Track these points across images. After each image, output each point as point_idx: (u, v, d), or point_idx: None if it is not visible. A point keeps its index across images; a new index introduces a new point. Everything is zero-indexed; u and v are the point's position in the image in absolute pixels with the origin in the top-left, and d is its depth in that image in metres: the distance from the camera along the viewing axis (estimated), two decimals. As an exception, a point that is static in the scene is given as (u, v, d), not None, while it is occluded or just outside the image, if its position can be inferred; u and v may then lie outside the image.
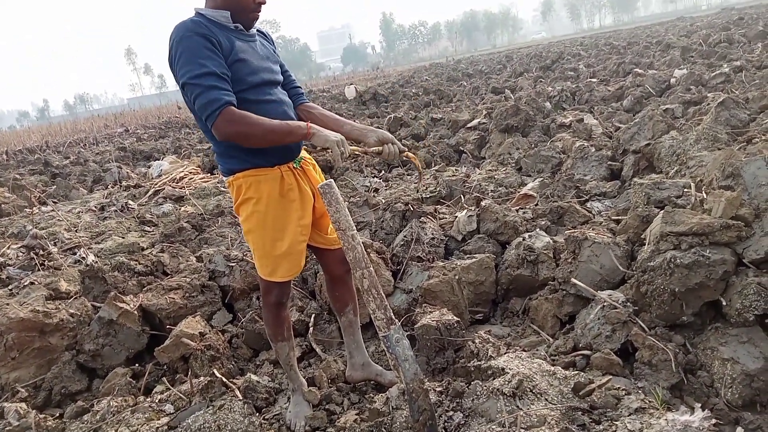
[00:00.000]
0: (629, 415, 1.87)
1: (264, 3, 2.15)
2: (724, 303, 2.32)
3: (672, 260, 2.38)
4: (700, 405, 1.80)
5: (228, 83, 2.00)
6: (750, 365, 2.13)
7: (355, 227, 1.84)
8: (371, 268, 1.84)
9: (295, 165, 2.28)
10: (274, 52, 2.38)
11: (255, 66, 2.15)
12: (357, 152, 2.29)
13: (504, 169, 5.93)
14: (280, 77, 2.33)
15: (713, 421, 1.65)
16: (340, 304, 2.66)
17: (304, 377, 2.74)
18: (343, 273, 2.59)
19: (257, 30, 2.31)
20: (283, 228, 2.22)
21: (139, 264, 4.03)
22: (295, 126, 2.06)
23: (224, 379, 2.65)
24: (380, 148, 2.23)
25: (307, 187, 2.30)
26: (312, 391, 2.57)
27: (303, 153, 2.37)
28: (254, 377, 2.74)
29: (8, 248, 4.87)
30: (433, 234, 3.81)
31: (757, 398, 2.12)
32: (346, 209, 1.84)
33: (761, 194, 2.52)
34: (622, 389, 2.05)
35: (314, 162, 2.45)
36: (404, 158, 2.35)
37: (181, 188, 7.39)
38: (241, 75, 2.08)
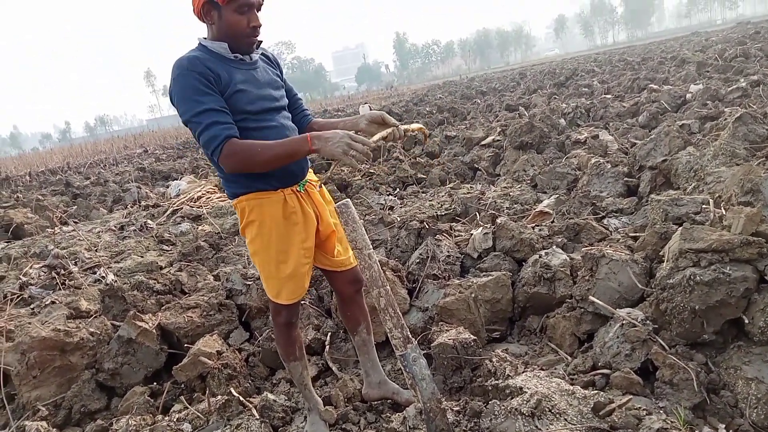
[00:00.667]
0: (651, 435, 1.83)
1: (258, 27, 2.15)
2: (746, 321, 2.28)
3: (692, 277, 2.35)
4: (724, 426, 1.76)
5: (228, 116, 2.03)
6: (775, 385, 2.09)
7: (371, 246, 1.85)
8: (387, 287, 1.85)
9: (299, 188, 2.29)
10: (279, 75, 2.39)
11: (254, 95, 2.16)
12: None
13: (519, 186, 5.92)
14: (283, 102, 2.34)
15: (738, 442, 1.62)
16: (352, 323, 2.66)
17: (321, 396, 2.73)
18: (353, 293, 2.59)
19: (262, 54, 2.32)
20: (286, 251, 2.24)
21: (158, 283, 4.08)
22: (297, 144, 2.03)
23: (241, 398, 2.65)
24: (384, 133, 2.12)
25: (310, 210, 2.30)
26: (328, 410, 2.57)
27: (310, 176, 2.38)
28: (271, 396, 2.75)
29: (30, 268, 4.96)
30: (448, 252, 3.81)
31: (783, 419, 2.06)
32: (363, 228, 1.86)
33: (782, 210, 2.49)
34: (643, 409, 2.01)
35: (322, 184, 2.41)
36: (410, 134, 2.29)
37: (198, 207, 7.49)
38: (241, 105, 2.11)
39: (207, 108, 1.99)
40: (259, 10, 2.15)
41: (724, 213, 2.73)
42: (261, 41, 2.24)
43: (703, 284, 2.31)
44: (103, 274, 4.71)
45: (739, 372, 2.20)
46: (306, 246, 2.28)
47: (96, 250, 5.91)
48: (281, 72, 2.44)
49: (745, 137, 4.26)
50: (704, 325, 2.35)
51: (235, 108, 2.09)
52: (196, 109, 1.99)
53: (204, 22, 2.14)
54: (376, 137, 2.07)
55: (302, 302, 3.66)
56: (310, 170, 2.41)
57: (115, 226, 7.11)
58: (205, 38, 2.17)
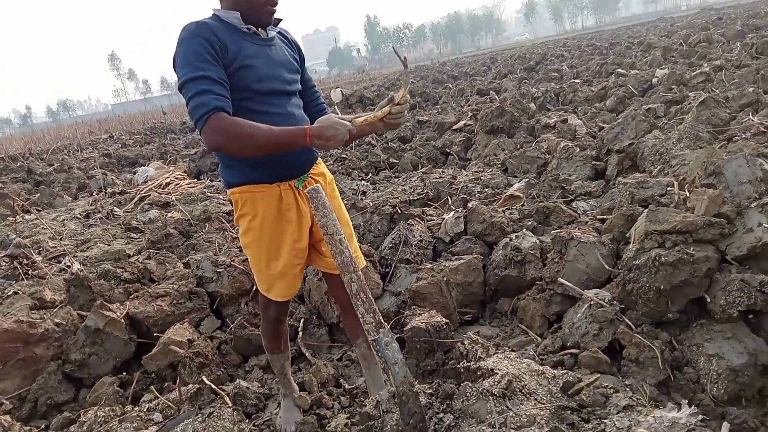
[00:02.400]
0: (617, 412, 1.88)
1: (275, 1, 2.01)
2: (708, 300, 2.35)
3: (657, 258, 2.41)
4: (687, 401, 1.82)
5: (224, 88, 1.85)
6: (735, 360, 2.16)
7: (342, 232, 1.84)
8: (359, 272, 1.84)
9: (297, 185, 2.11)
10: (296, 59, 2.19)
11: (264, 73, 1.98)
12: (365, 124, 1.98)
13: (490, 170, 5.96)
14: (296, 87, 2.15)
15: (700, 416, 1.68)
16: (351, 334, 2.49)
17: (295, 381, 2.73)
18: (348, 300, 2.36)
19: (280, 32, 2.15)
20: (277, 248, 2.12)
21: (126, 271, 3.99)
22: (293, 135, 1.81)
23: (213, 386, 2.63)
24: (386, 109, 2.00)
25: (306, 208, 2.13)
26: (303, 396, 2.56)
27: (316, 169, 2.21)
28: (244, 383, 2.73)
29: (-9, 258, 4.79)
30: (420, 236, 3.82)
31: (742, 393, 2.14)
32: (334, 213, 1.84)
33: (742, 192, 2.57)
34: (610, 387, 2.06)
35: (326, 181, 2.26)
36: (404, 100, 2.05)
37: (167, 194, 7.33)
38: (247, 82, 1.94)
39: (203, 75, 1.81)
40: None
41: (688, 195, 2.80)
42: (280, 19, 2.10)
43: (668, 265, 2.38)
44: (69, 263, 4.58)
45: (702, 349, 2.28)
46: (298, 246, 2.15)
47: (60, 239, 5.74)
48: (300, 56, 2.24)
49: (708, 121, 4.37)
50: (669, 305, 2.42)
51: (239, 85, 1.92)
52: (192, 74, 1.81)
53: None
54: (360, 119, 1.93)
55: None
56: (318, 163, 2.24)
57: (80, 214, 6.91)
58: (218, 8, 2.01)
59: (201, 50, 1.83)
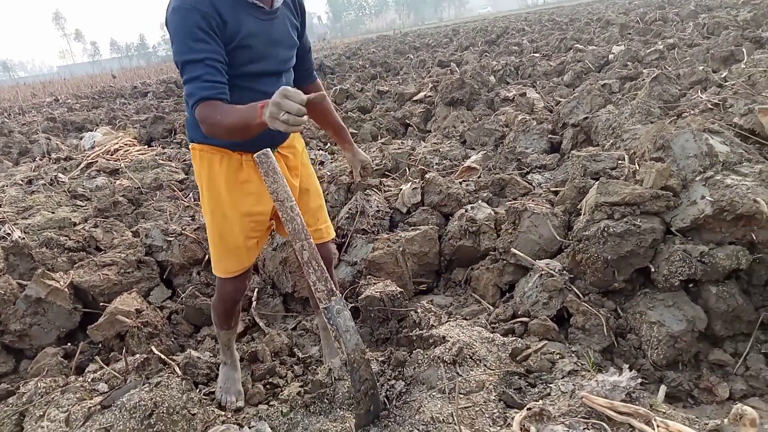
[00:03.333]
0: (563, 377, 1.94)
1: None
2: (652, 269, 2.44)
3: (605, 229, 2.47)
4: (628, 366, 1.89)
5: (217, 71, 1.76)
6: (674, 327, 2.26)
7: (294, 198, 1.79)
8: (311, 240, 1.80)
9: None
10: (298, 27, 2.09)
11: (259, 53, 1.89)
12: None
13: (449, 142, 5.97)
14: (290, 64, 2.08)
15: (639, 380, 1.74)
16: (314, 302, 2.49)
17: (248, 351, 2.70)
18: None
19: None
20: (232, 218, 2.05)
21: (70, 240, 3.83)
22: (249, 113, 1.64)
23: (162, 356, 2.57)
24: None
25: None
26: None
27: (290, 141, 2.16)
28: (195, 353, 2.68)
29: None
30: (378, 207, 3.80)
31: (679, 358, 2.25)
32: (284, 180, 1.78)
33: (688, 165, 2.65)
34: (557, 353, 2.13)
35: (296, 153, 2.20)
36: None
37: (116, 161, 7.03)
38: (240, 62, 1.86)
39: (197, 59, 1.72)
40: None
41: (638, 168, 2.87)
42: None
43: (616, 235, 2.44)
44: (8, 231, 4.35)
45: (644, 317, 2.37)
46: (257, 219, 2.10)
47: (0, 206, 5.44)
48: (303, 21, 2.14)
49: (660, 97, 4.48)
50: (615, 274, 2.50)
51: (234, 62, 1.84)
52: (186, 56, 1.73)
53: None
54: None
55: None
56: (292, 137, 2.17)
57: (21, 180, 6.56)
58: None
59: (195, 27, 1.72)
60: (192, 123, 1.99)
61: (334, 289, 1.83)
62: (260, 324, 3.10)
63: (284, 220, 1.77)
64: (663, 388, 2.00)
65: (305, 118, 1.52)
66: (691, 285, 2.40)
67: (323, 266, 1.81)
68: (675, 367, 2.26)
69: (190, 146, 2.10)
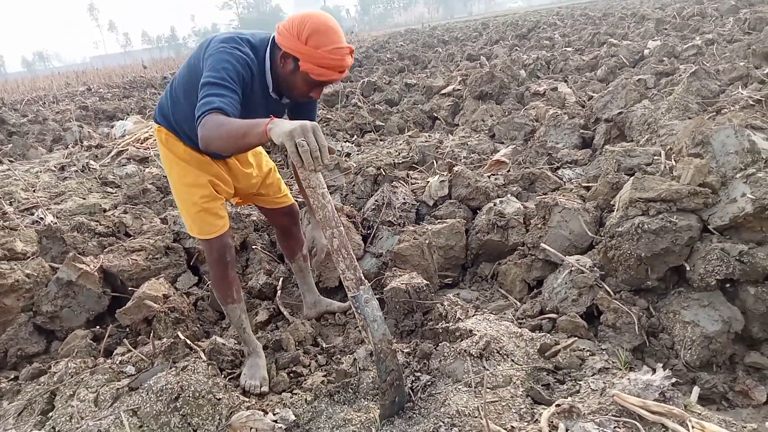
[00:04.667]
0: (593, 375, 1.89)
1: (318, 96, 2.15)
2: (687, 268, 2.36)
3: (640, 226, 2.40)
4: (661, 365, 1.83)
5: (236, 102, 1.91)
6: (709, 328, 2.19)
7: (325, 185, 1.77)
8: (341, 228, 1.78)
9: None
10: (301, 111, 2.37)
11: (252, 111, 2.07)
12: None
13: (477, 135, 5.89)
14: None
15: (673, 380, 1.69)
16: (289, 251, 2.91)
17: (272, 340, 2.71)
18: (290, 225, 2.82)
19: None
20: (195, 183, 2.29)
21: (100, 225, 3.89)
22: (251, 124, 1.72)
23: (188, 341, 2.59)
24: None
25: (235, 165, 2.46)
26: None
27: None
28: (220, 340, 2.70)
29: (-40, 207, 4.63)
30: (404, 199, 3.77)
31: (713, 359, 2.18)
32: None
33: (728, 162, 2.55)
34: (587, 350, 2.07)
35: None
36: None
37: (145, 149, 7.14)
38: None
39: (228, 86, 1.89)
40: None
41: (675, 164, 2.78)
42: None
43: (650, 232, 2.37)
44: (42, 215, 4.45)
45: (678, 316, 2.29)
46: (219, 189, 2.36)
47: (34, 191, 5.57)
48: (310, 107, 2.41)
49: (698, 92, 4.34)
50: (648, 272, 2.42)
51: None
52: (219, 80, 1.89)
53: (278, 52, 2.04)
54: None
55: (254, 247, 3.59)
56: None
57: (54, 167, 6.71)
58: (272, 50, 2.07)
59: (235, 71, 1.94)
60: (164, 108, 2.29)
61: (363, 278, 1.81)
62: (284, 313, 3.10)
63: (315, 207, 1.75)
64: (696, 390, 1.93)
65: (317, 157, 1.59)
66: (728, 285, 2.31)
67: (352, 254, 1.80)
68: (709, 369, 2.19)
69: (155, 126, 2.36)
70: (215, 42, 2.01)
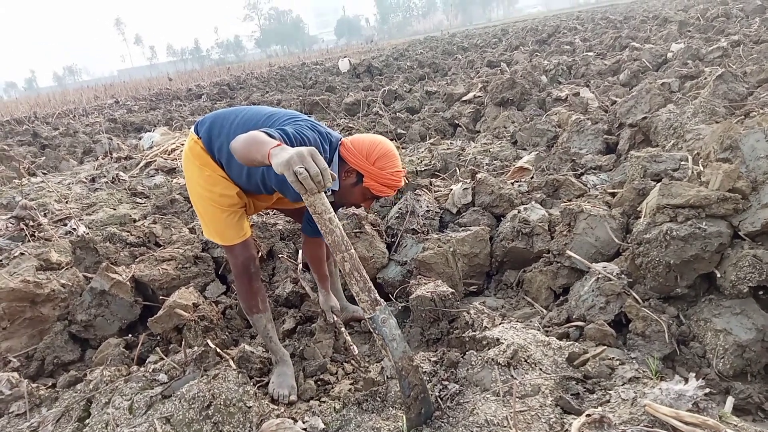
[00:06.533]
0: (623, 384, 1.88)
1: (369, 207, 2.44)
2: (718, 275, 2.32)
3: (668, 232, 2.37)
4: (693, 375, 1.81)
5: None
6: (742, 336, 2.15)
7: (332, 211, 1.74)
8: (352, 251, 1.78)
9: None
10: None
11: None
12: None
13: (499, 142, 5.88)
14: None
15: (707, 390, 1.66)
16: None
17: (299, 348, 2.74)
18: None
19: None
20: (223, 194, 2.34)
21: (131, 235, 3.99)
22: (264, 142, 1.74)
23: (218, 350, 2.64)
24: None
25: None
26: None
27: None
28: (248, 348, 2.74)
29: (-3, 219, 4.79)
30: (428, 207, 3.79)
31: (748, 368, 2.13)
32: (322, 192, 1.71)
33: (759, 167, 2.51)
34: (616, 359, 2.06)
35: None
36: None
37: (173, 160, 7.30)
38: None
39: (298, 138, 2.01)
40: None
41: (703, 169, 2.74)
42: None
43: (679, 239, 2.34)
44: (74, 226, 4.58)
45: (709, 324, 2.26)
46: (245, 201, 2.44)
47: (66, 202, 5.74)
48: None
49: (725, 95, 4.27)
50: (678, 279, 2.39)
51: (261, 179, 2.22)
52: (295, 132, 2.02)
53: (342, 164, 2.21)
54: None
55: (280, 255, 3.64)
56: None
57: (85, 178, 6.90)
58: (341, 155, 2.21)
59: (310, 140, 2.06)
60: (212, 135, 2.34)
61: (378, 298, 1.82)
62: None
63: (323, 232, 1.73)
64: (730, 400, 1.90)
65: (318, 181, 1.60)
66: (761, 292, 2.27)
67: (366, 276, 1.81)
68: (743, 378, 2.15)
69: (194, 137, 2.41)
70: (307, 119, 2.19)
